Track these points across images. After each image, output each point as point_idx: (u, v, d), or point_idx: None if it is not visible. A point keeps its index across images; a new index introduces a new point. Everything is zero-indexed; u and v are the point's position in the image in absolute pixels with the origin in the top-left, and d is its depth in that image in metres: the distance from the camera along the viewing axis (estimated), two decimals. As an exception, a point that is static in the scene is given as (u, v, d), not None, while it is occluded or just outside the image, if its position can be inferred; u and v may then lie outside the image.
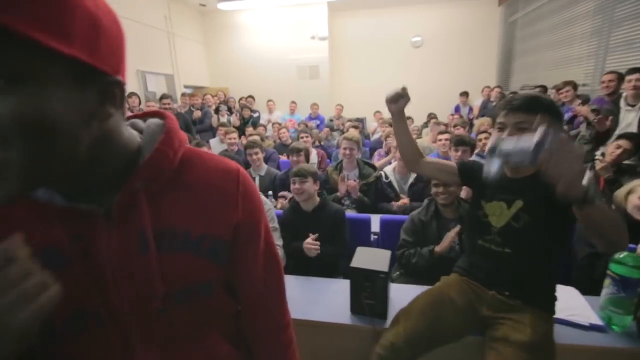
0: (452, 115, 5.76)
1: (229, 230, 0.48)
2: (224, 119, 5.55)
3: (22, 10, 0.27)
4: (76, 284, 0.40)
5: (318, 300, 1.32)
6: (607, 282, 1.11)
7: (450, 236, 1.51)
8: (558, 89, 3.46)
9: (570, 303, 1.22)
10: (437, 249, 1.52)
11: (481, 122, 3.99)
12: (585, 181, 0.71)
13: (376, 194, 2.54)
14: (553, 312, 1.06)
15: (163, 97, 4.65)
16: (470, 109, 6.28)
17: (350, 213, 2.26)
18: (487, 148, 0.92)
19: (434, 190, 1.66)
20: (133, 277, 0.42)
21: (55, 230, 0.39)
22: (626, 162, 2.52)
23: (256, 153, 2.75)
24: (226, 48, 7.14)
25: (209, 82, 7.34)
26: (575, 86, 3.50)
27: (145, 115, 0.50)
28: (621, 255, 1.06)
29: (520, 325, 0.99)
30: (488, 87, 5.91)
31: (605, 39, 3.72)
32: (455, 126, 3.80)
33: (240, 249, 0.51)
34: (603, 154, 2.53)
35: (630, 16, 3.31)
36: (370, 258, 1.22)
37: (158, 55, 5.62)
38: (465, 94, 6.34)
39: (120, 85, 0.37)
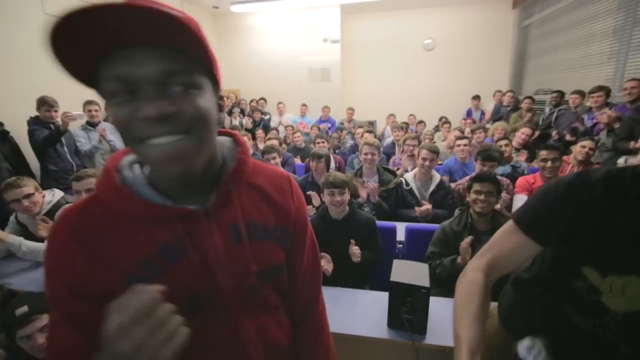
0: (465, 119, 5.72)
1: (291, 220, 0.61)
2: (236, 122, 5.56)
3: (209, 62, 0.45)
4: (193, 271, 0.49)
5: (353, 313, 1.31)
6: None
7: (464, 248, 1.46)
8: (591, 92, 3.28)
9: None
10: (460, 260, 1.50)
11: (495, 127, 3.95)
12: None
13: (396, 200, 2.53)
14: None
15: None
16: (483, 113, 6.22)
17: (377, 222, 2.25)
18: None
19: (473, 197, 1.62)
20: (233, 261, 0.52)
21: (170, 229, 0.48)
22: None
23: (274, 158, 2.75)
24: (238, 50, 7.17)
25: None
26: (608, 92, 3.30)
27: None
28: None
29: None
30: (500, 91, 5.86)
31: (628, 38, 3.54)
32: (473, 131, 3.75)
33: (296, 237, 0.63)
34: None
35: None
36: (410, 272, 1.20)
37: (171, 58, 5.64)
38: (477, 98, 6.29)
39: (223, 100, 0.51)
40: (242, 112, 5.82)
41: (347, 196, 1.71)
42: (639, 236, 0.54)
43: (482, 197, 1.59)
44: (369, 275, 1.75)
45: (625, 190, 0.55)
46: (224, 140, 0.57)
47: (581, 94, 3.74)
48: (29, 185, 1.81)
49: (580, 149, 2.50)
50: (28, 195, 1.78)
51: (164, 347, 0.36)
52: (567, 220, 0.60)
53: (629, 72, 3.51)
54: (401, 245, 2.00)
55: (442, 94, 6.85)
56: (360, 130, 4.26)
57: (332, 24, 6.59)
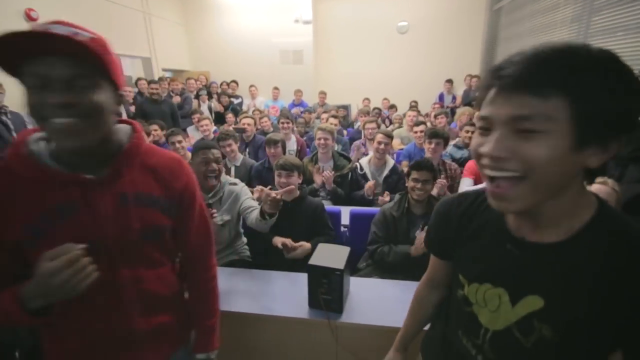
0: (435, 104, 5.78)
1: (176, 193, 0.77)
2: (204, 105, 5.42)
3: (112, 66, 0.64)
4: (83, 225, 0.65)
5: (279, 295, 1.35)
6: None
7: (421, 239, 1.53)
8: None
9: None
10: (413, 251, 1.56)
11: (462, 112, 4.00)
12: None
13: (351, 185, 2.57)
14: None
15: (152, 81, 4.46)
16: (454, 98, 6.30)
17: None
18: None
19: (411, 184, 1.68)
20: (117, 220, 0.68)
21: (66, 193, 0.64)
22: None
23: (229, 145, 2.72)
24: (207, 30, 6.90)
25: (190, 65, 7.11)
26: None
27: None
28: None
29: None
30: (470, 75, 5.92)
31: (585, 26, 3.68)
32: (436, 116, 3.80)
33: (184, 207, 0.79)
34: None
35: (610, 4, 3.31)
36: (329, 255, 1.25)
37: (133, 38, 5.39)
38: (450, 82, 6.34)
39: (122, 96, 0.69)
40: (210, 95, 5.67)
41: (294, 179, 1.73)
42: (483, 249, 0.60)
43: (419, 185, 1.65)
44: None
45: (475, 208, 0.63)
46: (123, 127, 0.74)
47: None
48: None
49: None
50: None
51: (80, 283, 0.58)
52: (444, 236, 0.69)
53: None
54: (346, 229, 2.05)
55: (417, 77, 6.85)
56: (325, 115, 4.24)
57: (304, 4, 6.42)
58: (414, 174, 1.67)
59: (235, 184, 1.76)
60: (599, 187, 1.16)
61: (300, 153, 3.44)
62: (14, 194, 0.62)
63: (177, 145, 2.75)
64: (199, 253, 0.88)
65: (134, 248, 0.71)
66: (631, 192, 1.26)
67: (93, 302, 0.68)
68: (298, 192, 1.79)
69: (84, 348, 0.72)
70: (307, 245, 1.59)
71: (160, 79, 5.12)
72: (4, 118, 2.85)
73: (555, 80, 0.41)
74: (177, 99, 4.87)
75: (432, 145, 2.51)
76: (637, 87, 0.41)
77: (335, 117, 3.97)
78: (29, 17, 3.57)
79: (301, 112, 5.46)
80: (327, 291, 1.20)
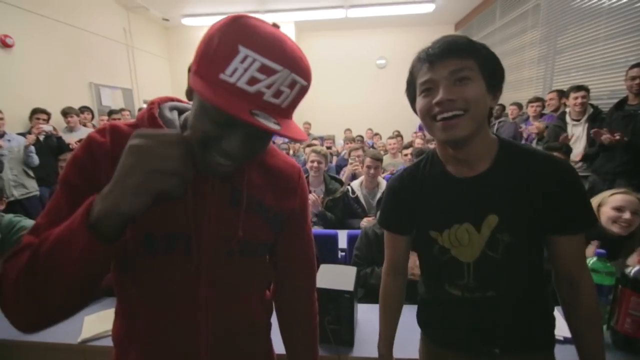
0: (416, 132, 5.96)
1: (288, 208, 0.63)
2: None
3: None
4: (182, 212, 0.52)
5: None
6: (577, 291, 1.05)
7: (411, 267, 1.39)
8: (530, 101, 3.57)
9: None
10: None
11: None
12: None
13: (343, 209, 2.46)
14: (552, 348, 0.78)
15: (111, 112, 4.34)
16: (434, 127, 6.51)
17: (317, 230, 2.15)
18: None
19: None
20: (221, 220, 0.55)
21: None
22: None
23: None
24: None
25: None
26: (544, 103, 3.56)
27: None
28: (590, 261, 1.02)
29: None
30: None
31: (551, 64, 4.05)
32: (429, 141, 3.92)
33: (293, 226, 0.65)
34: None
35: (570, 46, 3.64)
36: (335, 276, 1.10)
37: (115, 69, 5.32)
38: (428, 113, 6.59)
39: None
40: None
41: None
42: (439, 199, 0.74)
43: None
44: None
45: (422, 171, 0.77)
46: None
47: (519, 105, 4.14)
48: None
49: None
50: None
51: (165, 180, 0.39)
52: (401, 206, 0.79)
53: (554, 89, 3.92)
54: (344, 253, 1.90)
55: (397, 109, 7.07)
56: (316, 142, 4.24)
57: (287, 40, 6.66)
58: None
59: None
60: (624, 196, 1.26)
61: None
62: None
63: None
64: (303, 282, 0.71)
65: (228, 261, 0.56)
66: None
67: (163, 313, 0.54)
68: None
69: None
70: None
71: (140, 109, 5.01)
72: None
73: (467, 49, 0.64)
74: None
75: None
76: (491, 57, 0.66)
77: (309, 145, 3.99)
78: (4, 44, 3.44)
79: (285, 142, 5.45)
80: (334, 320, 1.04)
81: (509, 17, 4.94)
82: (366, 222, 2.23)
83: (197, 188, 0.53)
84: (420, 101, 0.67)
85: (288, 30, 6.59)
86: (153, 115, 0.53)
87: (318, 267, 1.55)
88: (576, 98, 2.81)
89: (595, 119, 2.76)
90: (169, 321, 0.55)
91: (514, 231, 0.67)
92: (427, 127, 0.68)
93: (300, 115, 6.94)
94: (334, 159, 4.39)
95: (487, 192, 0.69)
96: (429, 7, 5.74)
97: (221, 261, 0.56)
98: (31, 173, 3.17)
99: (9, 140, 3.00)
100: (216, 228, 0.54)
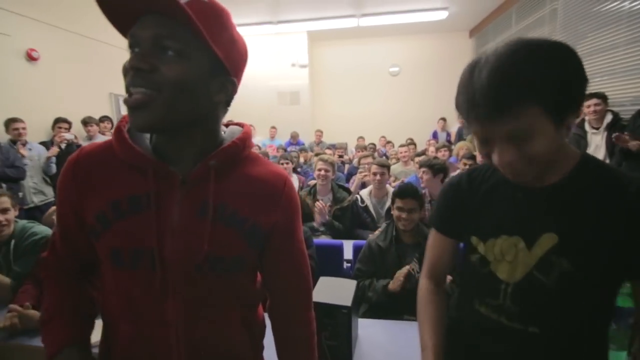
0: (429, 140, 5.86)
1: (269, 223, 0.58)
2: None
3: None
4: (144, 227, 0.51)
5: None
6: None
7: (402, 275, 1.36)
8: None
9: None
10: (391, 286, 1.38)
11: (460, 146, 4.01)
12: None
13: (352, 219, 2.42)
14: None
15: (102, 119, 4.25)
16: (448, 134, 6.41)
17: (322, 239, 2.11)
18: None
19: (396, 213, 1.54)
20: (187, 233, 0.52)
21: (144, 182, 0.51)
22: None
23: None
24: (207, 74, 7.15)
25: (189, 107, 7.25)
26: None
27: (228, 125, 0.64)
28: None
29: None
30: (463, 113, 6.06)
31: None
32: (438, 149, 3.80)
33: (277, 241, 0.60)
34: None
35: (591, 52, 3.51)
36: (333, 290, 1.06)
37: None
38: (443, 120, 6.50)
39: (234, 85, 0.55)
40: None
41: None
42: (495, 205, 0.65)
43: (404, 214, 1.51)
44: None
45: (484, 173, 0.70)
46: (233, 128, 0.62)
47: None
48: (5, 198, 1.48)
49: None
50: (3, 210, 1.46)
51: None
52: (454, 207, 0.72)
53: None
54: (350, 264, 1.86)
55: (410, 116, 7.03)
56: (328, 151, 4.23)
57: (300, 49, 6.75)
58: (398, 202, 1.54)
59: None
60: None
61: (301, 189, 3.37)
62: (106, 173, 0.53)
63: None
64: (296, 301, 0.66)
65: (196, 276, 0.53)
66: None
67: (135, 328, 0.54)
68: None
69: None
70: None
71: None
72: (21, 150, 3.03)
73: (520, 98, 0.48)
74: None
75: (428, 176, 2.39)
76: (581, 73, 0.51)
77: (317, 154, 3.97)
78: (30, 57, 3.62)
79: (296, 150, 5.49)
80: (331, 336, 1.00)
81: (526, 22, 4.82)
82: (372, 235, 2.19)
83: (163, 199, 0.52)
84: (476, 143, 0.58)
85: (300, 39, 6.68)
86: (119, 129, 0.53)
87: (317, 279, 1.53)
88: (589, 106, 2.69)
89: (615, 126, 2.63)
90: (143, 337, 0.54)
91: (576, 259, 0.55)
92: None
93: (312, 123, 6.98)
94: (346, 167, 4.36)
95: (550, 206, 0.58)
96: (442, 15, 5.69)
97: (189, 277, 0.53)
98: (49, 180, 3.30)
99: (30, 149, 3.14)
100: (181, 241, 0.52)
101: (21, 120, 3.10)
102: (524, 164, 0.52)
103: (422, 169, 2.36)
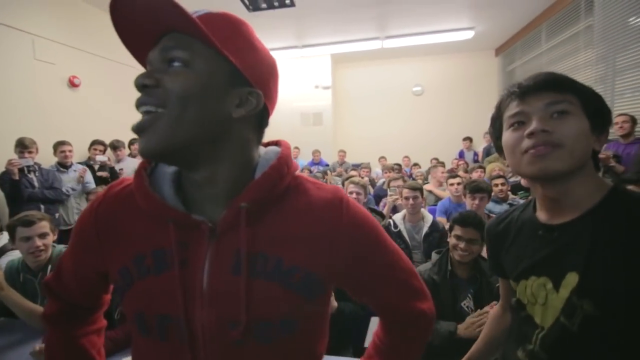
0: (457, 159, 5.68)
1: (332, 265, 0.46)
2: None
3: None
4: (167, 291, 0.41)
5: None
6: None
7: (479, 326, 1.21)
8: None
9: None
10: (461, 331, 1.24)
11: (492, 168, 3.86)
12: None
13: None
14: None
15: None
16: (476, 154, 6.21)
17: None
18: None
19: (454, 241, 1.40)
20: (220, 298, 0.42)
21: (167, 235, 0.42)
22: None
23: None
24: (232, 96, 7.35)
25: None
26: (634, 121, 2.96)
27: (268, 145, 0.52)
28: None
29: None
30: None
31: (611, 86, 3.70)
32: (471, 170, 3.68)
33: (357, 272, 0.49)
34: None
35: (632, 65, 3.32)
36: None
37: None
38: (468, 139, 6.33)
39: (259, 97, 0.44)
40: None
41: None
42: (522, 246, 0.64)
43: (462, 244, 1.36)
44: (352, 335, 1.47)
45: (518, 215, 0.69)
46: (269, 150, 0.49)
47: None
48: (45, 222, 1.49)
49: None
50: (42, 235, 1.47)
51: None
52: (496, 253, 0.72)
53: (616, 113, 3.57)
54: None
55: (434, 136, 6.90)
56: (354, 172, 4.17)
57: (323, 71, 6.85)
58: (457, 230, 1.39)
59: None
60: None
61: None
62: (124, 223, 0.46)
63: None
64: (407, 305, 0.54)
65: (235, 351, 0.42)
66: None
67: None
68: None
69: None
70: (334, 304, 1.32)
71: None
72: (30, 175, 2.97)
73: (565, 84, 0.56)
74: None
75: (477, 201, 2.26)
76: (605, 105, 0.57)
77: (354, 169, 3.88)
78: (72, 84, 3.83)
79: (319, 171, 5.47)
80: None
81: (558, 39, 4.68)
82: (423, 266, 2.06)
83: (191, 253, 0.42)
84: (507, 135, 0.59)
85: (324, 61, 6.79)
86: (139, 172, 0.46)
87: (364, 311, 1.41)
88: (617, 123, 2.68)
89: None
90: None
91: (598, 300, 0.51)
92: (513, 165, 0.59)
93: (334, 143, 6.96)
94: (371, 189, 4.26)
95: (572, 242, 0.55)
96: (468, 34, 5.64)
97: (227, 354, 0.42)
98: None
99: (75, 171, 3.26)
100: (212, 310, 0.41)
101: (68, 144, 3.23)
102: (555, 139, 0.52)
103: (478, 195, 2.25)
